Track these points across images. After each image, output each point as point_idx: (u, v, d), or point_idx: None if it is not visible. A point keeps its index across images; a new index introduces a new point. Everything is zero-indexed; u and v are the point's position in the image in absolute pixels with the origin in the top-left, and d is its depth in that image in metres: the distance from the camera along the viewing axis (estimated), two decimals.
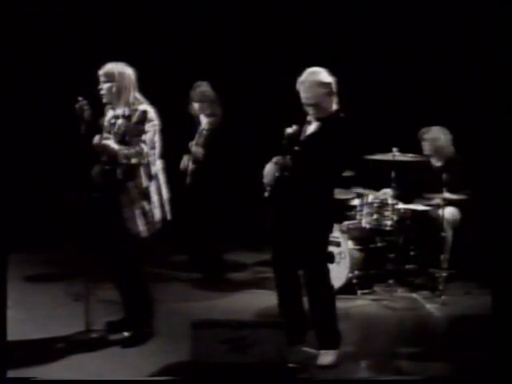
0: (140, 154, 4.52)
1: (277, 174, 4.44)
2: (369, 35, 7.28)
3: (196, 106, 6.30)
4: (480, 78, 6.30)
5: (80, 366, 4.35)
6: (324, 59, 4.66)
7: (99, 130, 4.68)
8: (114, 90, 4.59)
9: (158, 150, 4.66)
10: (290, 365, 4.13)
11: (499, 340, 3.75)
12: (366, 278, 5.98)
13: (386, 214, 6.02)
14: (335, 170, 4.52)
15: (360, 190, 6.32)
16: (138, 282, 4.76)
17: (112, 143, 4.55)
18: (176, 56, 7.57)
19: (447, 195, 5.85)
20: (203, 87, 6.28)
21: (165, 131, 4.71)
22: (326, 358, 4.41)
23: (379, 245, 6.14)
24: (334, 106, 4.47)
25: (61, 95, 6.37)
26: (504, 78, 3.83)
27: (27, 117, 7.50)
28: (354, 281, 5.89)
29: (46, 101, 7.51)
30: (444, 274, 5.89)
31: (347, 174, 5.97)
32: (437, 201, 5.97)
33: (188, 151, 6.32)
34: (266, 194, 4.48)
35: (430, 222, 6.14)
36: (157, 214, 4.65)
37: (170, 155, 4.99)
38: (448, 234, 6.01)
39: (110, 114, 4.71)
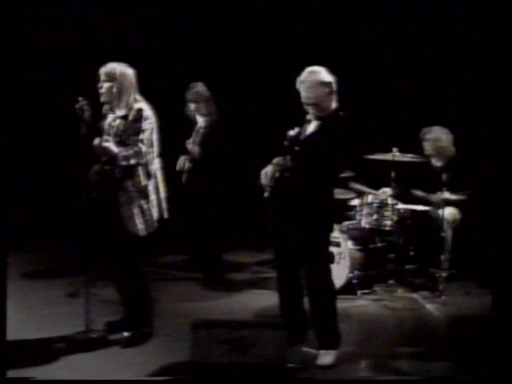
0: (139, 153, 4.51)
1: (277, 175, 4.44)
2: (369, 35, 7.28)
3: (192, 106, 6.37)
4: (480, 78, 6.31)
5: (79, 365, 4.35)
6: (324, 58, 4.66)
7: (99, 130, 4.68)
8: (114, 90, 4.59)
9: (155, 149, 4.66)
10: (290, 365, 4.13)
11: (499, 340, 3.75)
12: (366, 278, 5.98)
13: (386, 214, 6.03)
14: (335, 169, 4.52)
15: (357, 186, 6.31)
16: (137, 282, 4.76)
17: (112, 145, 4.54)
18: (173, 55, 7.58)
19: (447, 195, 5.85)
20: (198, 87, 6.33)
21: (162, 130, 4.71)
22: (326, 357, 4.41)
23: (379, 245, 6.14)
24: (334, 105, 4.47)
25: (60, 95, 6.37)
26: (504, 78, 3.83)
27: (27, 117, 7.49)
28: (354, 281, 5.89)
29: (45, 101, 7.50)
30: (444, 274, 5.89)
31: (347, 174, 6.00)
32: (438, 196, 5.96)
33: (185, 150, 6.34)
34: (266, 195, 4.48)
35: (429, 222, 6.15)
36: (154, 212, 4.65)
37: (167, 154, 4.98)
38: (448, 234, 5.99)
39: (110, 117, 4.69)
